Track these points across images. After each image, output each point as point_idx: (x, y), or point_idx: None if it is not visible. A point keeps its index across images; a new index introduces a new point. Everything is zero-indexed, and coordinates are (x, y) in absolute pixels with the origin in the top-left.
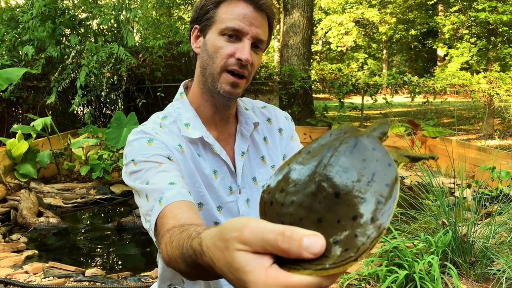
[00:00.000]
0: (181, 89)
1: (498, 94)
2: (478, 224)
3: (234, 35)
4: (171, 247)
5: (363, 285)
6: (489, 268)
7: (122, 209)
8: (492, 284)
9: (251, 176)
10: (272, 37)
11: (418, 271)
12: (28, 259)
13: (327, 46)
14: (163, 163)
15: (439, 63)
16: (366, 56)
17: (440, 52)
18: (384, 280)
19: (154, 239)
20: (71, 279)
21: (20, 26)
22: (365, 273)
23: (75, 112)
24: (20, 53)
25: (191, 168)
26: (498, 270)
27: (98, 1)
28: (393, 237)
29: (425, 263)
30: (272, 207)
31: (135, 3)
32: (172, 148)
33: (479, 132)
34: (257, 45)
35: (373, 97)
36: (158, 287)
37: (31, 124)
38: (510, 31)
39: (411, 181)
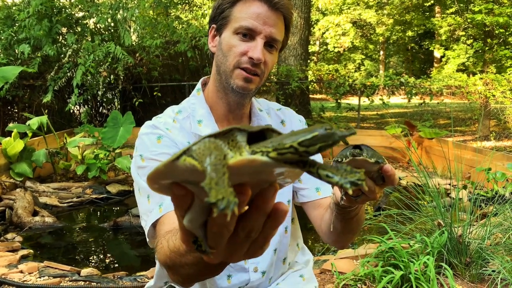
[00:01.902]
0: (198, 85)
1: (494, 95)
2: (474, 225)
3: (248, 34)
4: (167, 246)
5: (359, 285)
6: (484, 269)
7: (118, 209)
8: (487, 284)
9: None
10: None
11: (414, 271)
12: (23, 258)
13: (324, 47)
14: None
15: (435, 65)
16: (363, 57)
17: (437, 53)
18: (380, 281)
19: (147, 239)
20: (67, 278)
21: (17, 24)
22: (361, 273)
23: (71, 111)
24: (16, 52)
25: None
26: (493, 271)
27: (95, 0)
28: (389, 237)
29: (420, 264)
30: None
31: (132, 2)
32: (181, 145)
33: (475, 134)
34: (272, 44)
35: (370, 98)
36: (154, 284)
37: (27, 123)
38: (506, 33)
39: (407, 182)
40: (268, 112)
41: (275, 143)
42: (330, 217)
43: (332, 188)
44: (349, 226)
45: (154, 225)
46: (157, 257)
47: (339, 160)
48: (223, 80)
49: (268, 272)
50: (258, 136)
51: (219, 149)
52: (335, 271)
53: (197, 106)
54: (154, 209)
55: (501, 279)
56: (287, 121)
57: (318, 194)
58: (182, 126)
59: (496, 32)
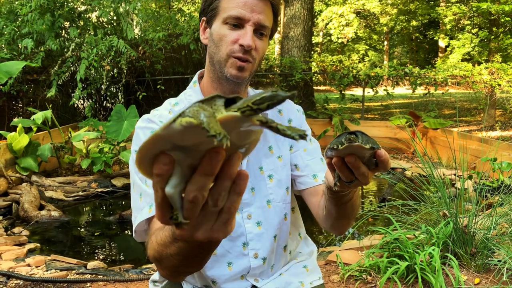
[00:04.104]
0: (195, 77)
1: (499, 85)
2: (479, 215)
3: (237, 23)
4: (155, 240)
5: (364, 276)
6: (490, 259)
7: (123, 202)
8: (493, 274)
9: (258, 165)
10: None
11: (419, 262)
12: (30, 252)
13: (328, 38)
14: None
15: (440, 54)
16: (367, 47)
17: (442, 43)
18: (385, 272)
19: (133, 234)
20: (73, 271)
21: (19, 19)
22: (366, 264)
23: (75, 105)
24: (20, 46)
25: None
26: (499, 261)
27: None
28: (394, 228)
29: (426, 254)
30: None
31: None
32: None
33: (480, 124)
34: (261, 32)
35: (374, 88)
36: (158, 278)
37: (32, 118)
38: None
39: (412, 173)
40: None
41: (239, 104)
42: (324, 202)
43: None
44: (343, 211)
45: (148, 222)
46: (148, 253)
47: (335, 147)
48: (217, 70)
49: (269, 259)
50: (233, 101)
51: (207, 109)
52: (340, 262)
53: (193, 97)
54: (145, 208)
55: (507, 269)
56: (284, 110)
57: (315, 180)
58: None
59: (502, 20)
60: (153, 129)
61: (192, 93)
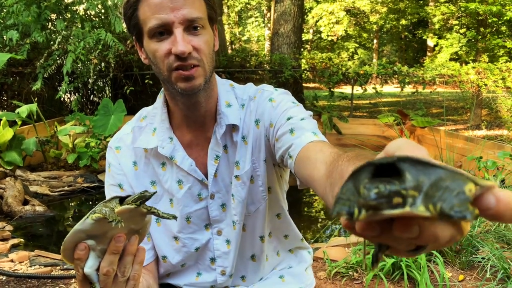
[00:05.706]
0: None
1: (486, 85)
2: None
3: (163, 30)
4: None
5: (350, 273)
6: (474, 256)
7: None
8: (477, 271)
9: (229, 179)
10: (263, 25)
11: (405, 259)
12: (14, 247)
13: (318, 35)
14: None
15: (428, 54)
16: (357, 45)
17: (430, 42)
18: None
19: None
20: (58, 267)
21: (4, 10)
22: (353, 261)
23: (61, 99)
24: (4, 38)
25: (146, 186)
26: (483, 258)
27: None
28: None
29: None
30: None
31: None
32: (124, 166)
33: (467, 123)
34: (194, 26)
35: (363, 86)
36: None
37: (16, 111)
38: (499, 22)
39: None
40: (245, 103)
41: (127, 200)
42: None
43: None
44: None
45: None
46: None
47: (344, 212)
48: (169, 87)
49: (236, 274)
50: (125, 198)
51: (109, 206)
52: (327, 259)
53: (158, 110)
54: None
55: (490, 266)
56: (253, 112)
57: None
58: (134, 137)
59: (489, 21)
60: (109, 163)
61: (158, 106)
